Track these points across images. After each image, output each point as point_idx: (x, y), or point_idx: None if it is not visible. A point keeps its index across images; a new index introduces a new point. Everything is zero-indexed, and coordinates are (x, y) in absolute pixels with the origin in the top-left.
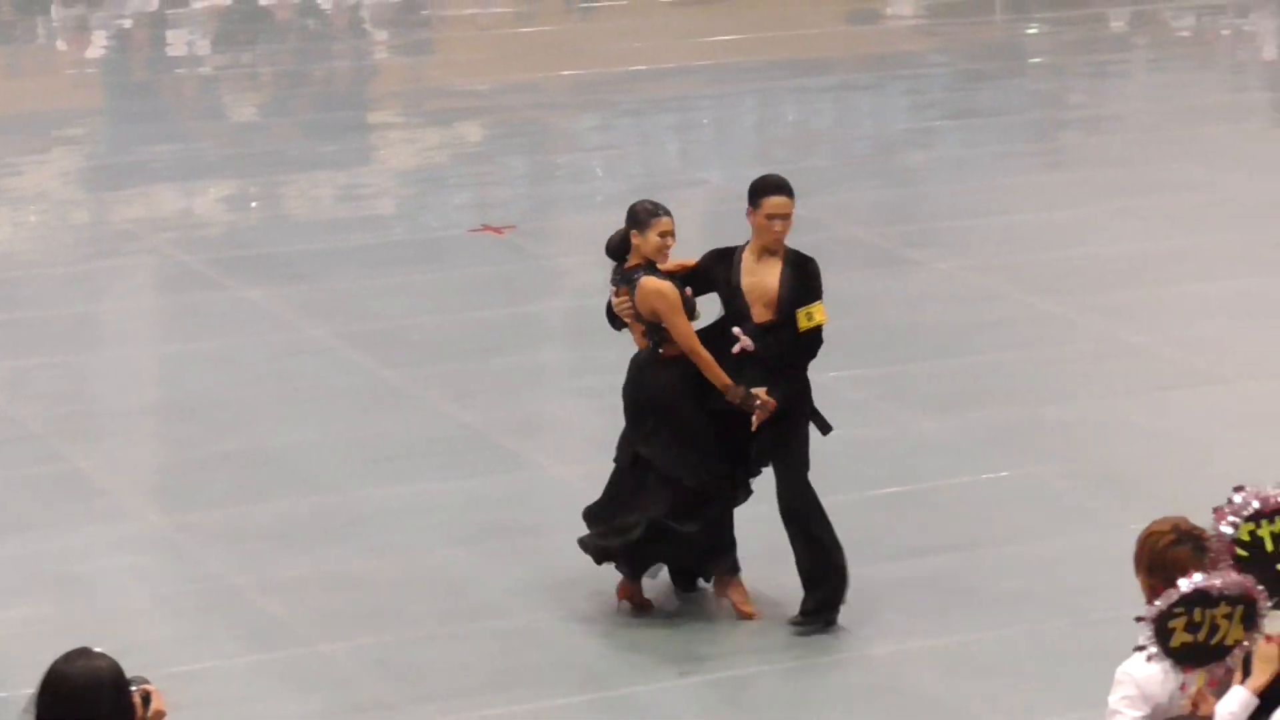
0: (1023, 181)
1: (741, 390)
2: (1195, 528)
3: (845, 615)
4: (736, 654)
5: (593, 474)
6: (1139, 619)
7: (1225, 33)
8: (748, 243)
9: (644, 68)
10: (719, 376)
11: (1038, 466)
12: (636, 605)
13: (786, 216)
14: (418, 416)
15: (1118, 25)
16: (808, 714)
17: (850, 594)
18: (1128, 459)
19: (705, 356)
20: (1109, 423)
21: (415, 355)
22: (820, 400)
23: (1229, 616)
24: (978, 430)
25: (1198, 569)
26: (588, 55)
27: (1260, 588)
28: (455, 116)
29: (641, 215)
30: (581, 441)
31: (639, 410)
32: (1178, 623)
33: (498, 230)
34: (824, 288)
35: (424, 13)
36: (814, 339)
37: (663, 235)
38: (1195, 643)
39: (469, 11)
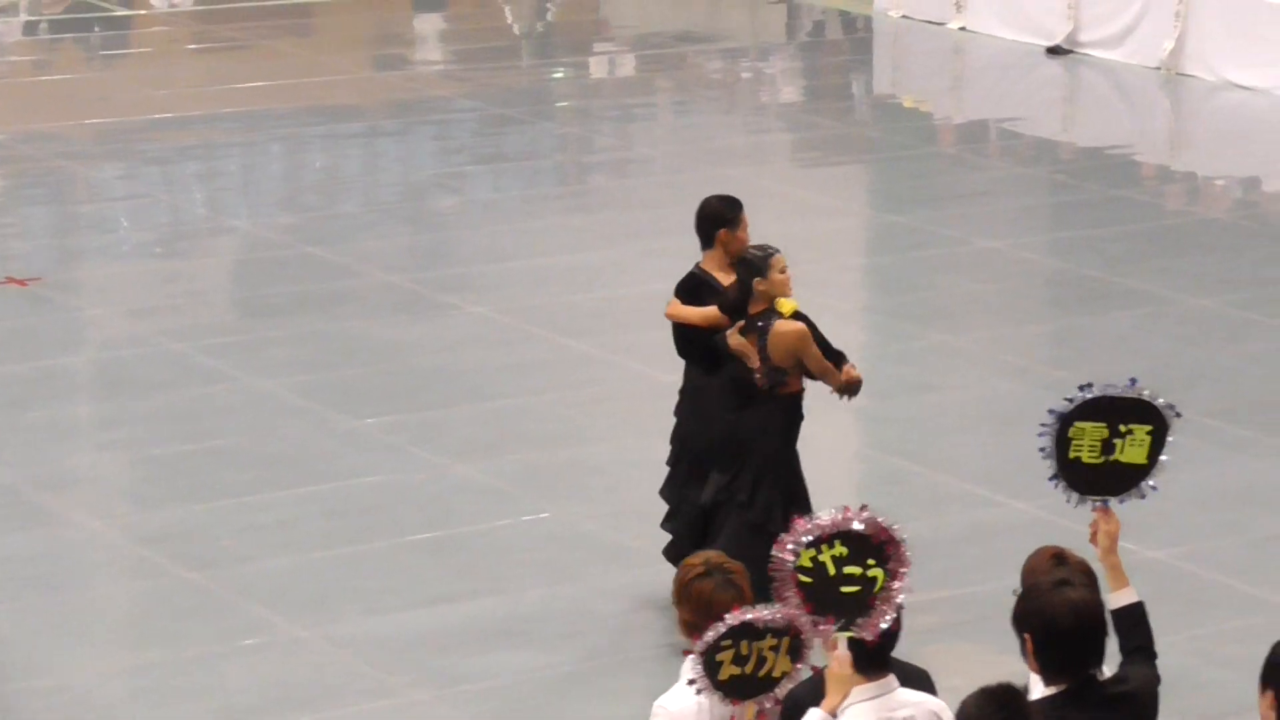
0: (552, 224)
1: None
2: (727, 561)
3: (387, 662)
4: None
5: (130, 526)
6: (686, 652)
7: (747, 75)
8: (698, 265)
9: (169, 115)
10: (835, 376)
11: (575, 507)
12: None
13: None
14: None
15: (643, 69)
16: None
17: (393, 640)
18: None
19: (829, 366)
20: (645, 461)
21: None
22: (355, 447)
23: (775, 648)
24: (514, 472)
25: (723, 601)
26: (110, 103)
27: (805, 619)
28: None
29: (758, 262)
30: (115, 494)
31: (738, 452)
32: (725, 655)
33: (21, 282)
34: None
35: None
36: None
37: (783, 271)
38: (743, 675)
39: None
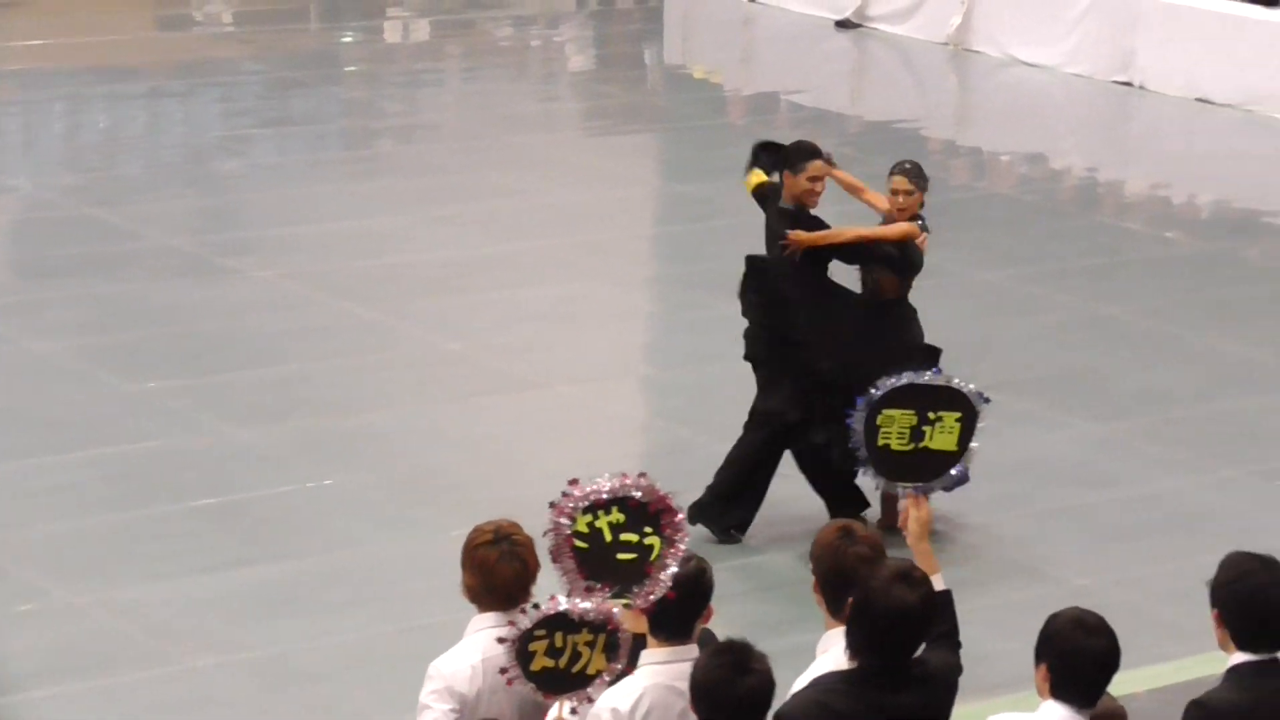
0: (338, 189)
1: None
2: (517, 533)
3: (166, 629)
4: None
5: None
6: (501, 640)
7: (536, 43)
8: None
9: None
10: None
11: (359, 474)
12: None
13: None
14: None
15: (432, 34)
16: None
17: (172, 606)
18: (447, 465)
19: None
20: (428, 429)
21: None
22: (136, 412)
23: (591, 644)
24: (298, 439)
25: (503, 573)
26: None
27: (620, 614)
28: None
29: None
30: None
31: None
32: (539, 645)
33: None
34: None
35: None
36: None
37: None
38: (556, 669)
39: None
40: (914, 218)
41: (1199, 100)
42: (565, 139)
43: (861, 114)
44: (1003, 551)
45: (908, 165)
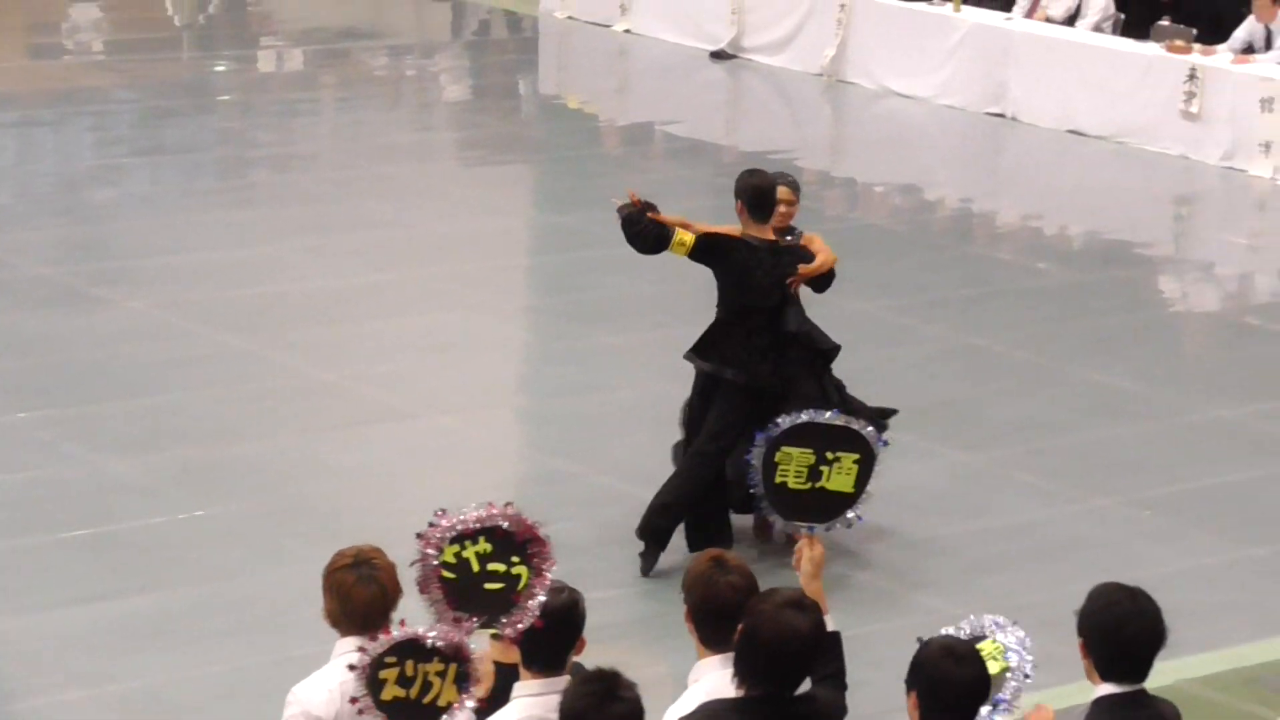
0: (212, 219)
1: None
2: (377, 557)
3: (36, 661)
4: None
5: None
6: (351, 667)
7: (411, 73)
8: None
9: None
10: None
11: (232, 505)
12: None
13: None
14: None
15: (306, 63)
16: None
17: (42, 639)
18: (321, 495)
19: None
20: (302, 459)
21: None
22: (7, 442)
23: (441, 674)
24: (172, 469)
25: (360, 596)
26: None
27: (473, 646)
28: None
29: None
30: None
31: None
32: (389, 673)
33: None
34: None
35: None
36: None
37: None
38: (407, 699)
39: None
40: (788, 231)
41: (1071, 132)
42: (440, 169)
43: (736, 144)
44: (874, 581)
45: (789, 178)
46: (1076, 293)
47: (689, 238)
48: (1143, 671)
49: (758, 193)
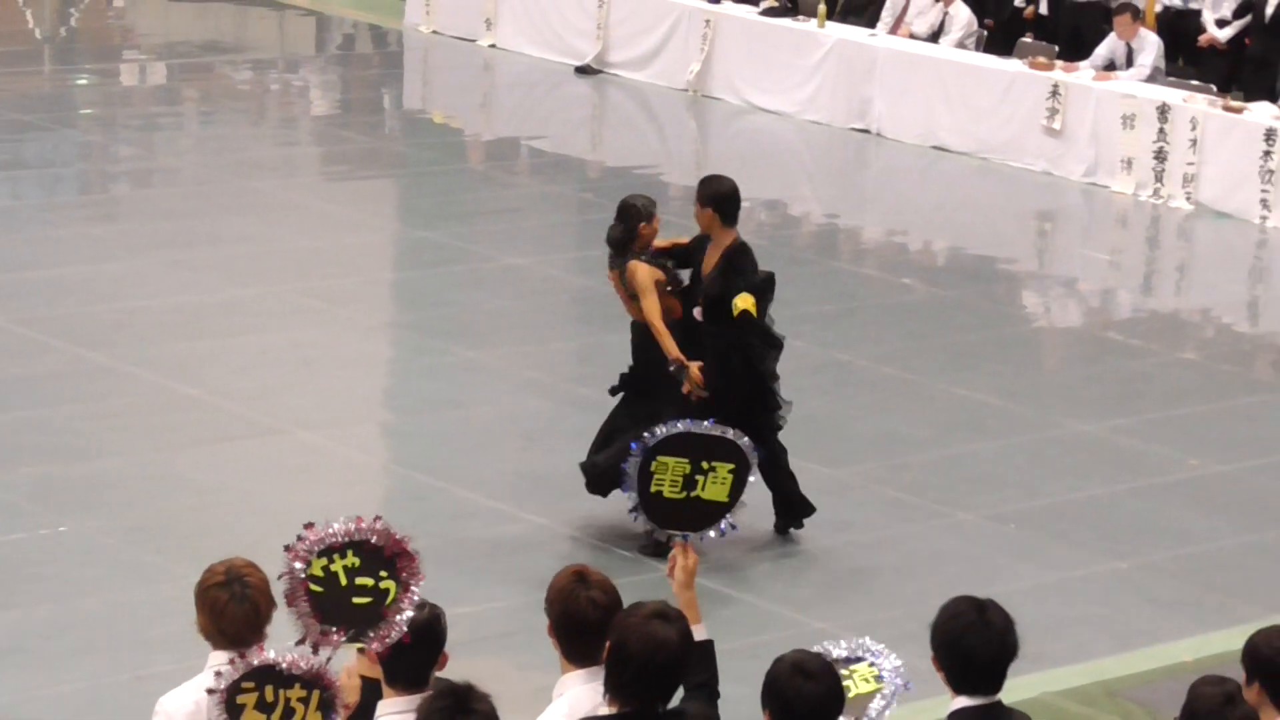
0: (72, 234)
1: (677, 364)
2: (251, 574)
3: None
4: None
5: None
6: (210, 691)
7: (275, 87)
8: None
9: None
10: (670, 348)
11: (93, 521)
12: None
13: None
14: None
15: (169, 77)
16: None
17: None
18: (183, 511)
19: (661, 329)
20: (163, 475)
21: None
22: None
23: (304, 700)
24: (30, 485)
25: (233, 615)
26: None
27: (333, 671)
28: None
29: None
30: None
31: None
32: (248, 698)
33: None
34: None
35: None
36: (744, 324)
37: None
38: None
39: None
40: (669, 251)
41: (935, 148)
42: (304, 184)
43: (602, 159)
44: (736, 595)
45: (644, 199)
46: (940, 308)
47: (745, 301)
48: (995, 683)
49: (727, 199)
